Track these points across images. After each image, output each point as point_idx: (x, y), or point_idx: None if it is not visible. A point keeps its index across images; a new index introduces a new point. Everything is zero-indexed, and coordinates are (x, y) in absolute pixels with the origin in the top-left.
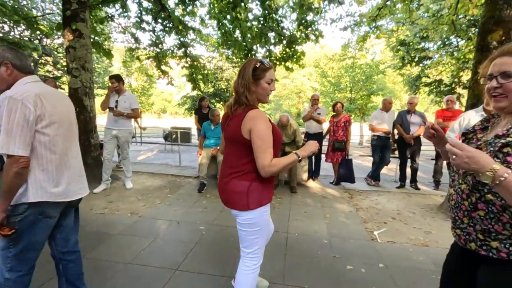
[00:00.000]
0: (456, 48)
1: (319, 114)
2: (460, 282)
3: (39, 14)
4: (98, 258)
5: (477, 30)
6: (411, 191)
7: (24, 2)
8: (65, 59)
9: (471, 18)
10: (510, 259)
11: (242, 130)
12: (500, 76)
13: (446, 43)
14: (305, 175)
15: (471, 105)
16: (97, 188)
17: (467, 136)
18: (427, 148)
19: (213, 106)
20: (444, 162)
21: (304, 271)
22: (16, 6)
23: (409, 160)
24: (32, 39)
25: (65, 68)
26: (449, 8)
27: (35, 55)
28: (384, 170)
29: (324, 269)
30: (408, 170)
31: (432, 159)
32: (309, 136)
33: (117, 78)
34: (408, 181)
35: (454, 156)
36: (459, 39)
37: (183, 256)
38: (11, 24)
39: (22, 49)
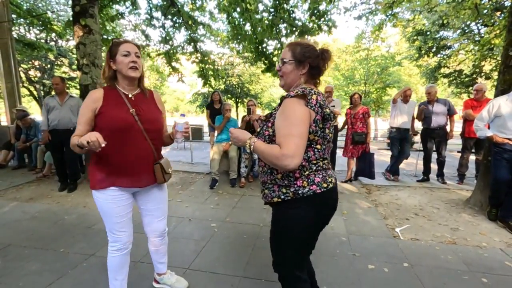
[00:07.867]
0: (478, 35)
1: (334, 106)
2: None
3: (52, 14)
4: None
5: (502, 15)
6: (434, 185)
7: (40, 5)
8: None
9: (495, 2)
10: (273, 201)
11: None
12: (280, 62)
13: (466, 31)
14: None
15: (501, 91)
16: None
17: (272, 113)
18: (451, 141)
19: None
20: (471, 156)
21: (322, 271)
22: (29, 7)
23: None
24: (47, 41)
25: None
26: None
27: (51, 56)
28: (402, 165)
29: (344, 268)
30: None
31: (458, 152)
32: None
33: None
34: (432, 175)
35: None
36: (480, 26)
37: (194, 255)
38: (27, 27)
39: (37, 50)
